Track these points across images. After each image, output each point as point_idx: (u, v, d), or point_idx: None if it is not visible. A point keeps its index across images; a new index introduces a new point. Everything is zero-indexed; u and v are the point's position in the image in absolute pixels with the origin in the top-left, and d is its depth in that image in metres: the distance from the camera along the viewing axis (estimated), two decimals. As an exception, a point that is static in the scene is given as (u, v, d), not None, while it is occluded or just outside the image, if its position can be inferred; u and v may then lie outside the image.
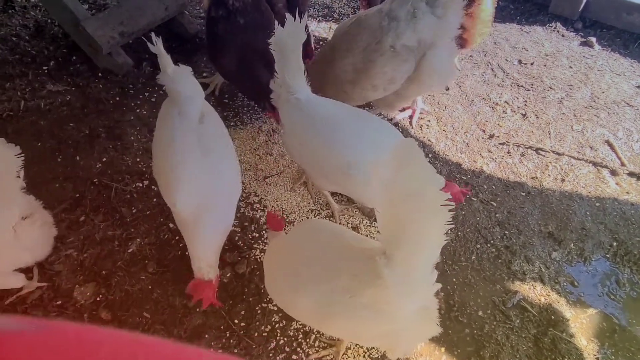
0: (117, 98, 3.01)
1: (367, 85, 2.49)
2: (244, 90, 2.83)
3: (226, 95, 3.12)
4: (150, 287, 2.15)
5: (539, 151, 2.89)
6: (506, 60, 3.59)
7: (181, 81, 1.91)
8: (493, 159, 2.85)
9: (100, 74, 3.12)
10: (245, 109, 3.05)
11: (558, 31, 3.88)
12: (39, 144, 2.66)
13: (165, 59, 1.88)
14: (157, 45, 1.84)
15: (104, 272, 2.18)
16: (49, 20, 3.45)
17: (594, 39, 3.75)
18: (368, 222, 2.48)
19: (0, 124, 2.71)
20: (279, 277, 1.72)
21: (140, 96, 3.03)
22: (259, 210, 2.49)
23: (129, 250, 2.27)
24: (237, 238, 2.36)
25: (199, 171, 1.84)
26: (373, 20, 2.39)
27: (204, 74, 3.25)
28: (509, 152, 2.89)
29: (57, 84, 3.03)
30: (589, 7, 3.91)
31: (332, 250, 1.60)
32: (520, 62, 3.57)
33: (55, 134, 2.72)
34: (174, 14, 3.39)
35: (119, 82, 3.11)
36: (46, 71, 3.10)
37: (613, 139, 2.98)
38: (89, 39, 2.98)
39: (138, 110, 2.96)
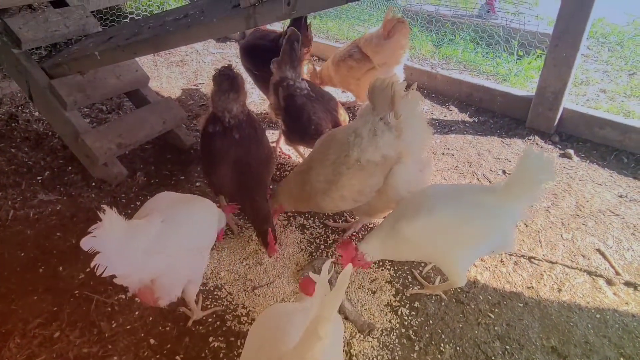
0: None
1: (336, 195, 2.56)
2: (245, 212, 2.83)
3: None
4: (123, 413, 1.95)
5: (532, 260, 2.86)
6: (490, 170, 3.72)
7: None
8: (486, 267, 2.81)
9: (93, 184, 3.16)
10: (236, 217, 3.05)
11: (537, 143, 4.08)
12: (22, 254, 2.59)
13: None
14: None
15: (73, 396, 1.99)
16: (50, 133, 3.58)
17: (572, 151, 3.93)
18: (361, 336, 2.35)
19: (-15, 233, 2.67)
20: None
21: (132, 205, 3.03)
22: (246, 324, 2.36)
23: (104, 371, 2.10)
24: (222, 355, 2.20)
25: None
26: (342, 135, 2.53)
27: (197, 184, 3.30)
28: (502, 261, 2.86)
29: (49, 193, 3.05)
30: (563, 122, 4.17)
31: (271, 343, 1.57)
32: (504, 172, 3.70)
33: (41, 243, 2.67)
34: (171, 127, 3.55)
35: (112, 191, 3.14)
36: (40, 181, 3.14)
37: (604, 247, 2.97)
38: (86, 150, 3.08)
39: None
